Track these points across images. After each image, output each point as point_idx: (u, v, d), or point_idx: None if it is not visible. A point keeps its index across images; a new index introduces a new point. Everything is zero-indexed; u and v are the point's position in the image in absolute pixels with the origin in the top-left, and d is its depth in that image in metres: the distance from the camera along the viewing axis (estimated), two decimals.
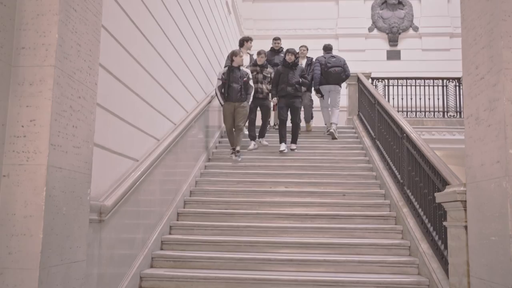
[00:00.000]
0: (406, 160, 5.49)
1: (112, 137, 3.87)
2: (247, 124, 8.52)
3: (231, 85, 7.48)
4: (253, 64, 8.66)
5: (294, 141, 8.22)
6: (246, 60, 8.87)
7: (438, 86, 10.92)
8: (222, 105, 7.63)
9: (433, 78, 11.00)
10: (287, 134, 8.16)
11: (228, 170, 7.25)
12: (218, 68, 8.75)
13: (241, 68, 7.68)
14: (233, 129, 7.56)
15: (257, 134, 8.56)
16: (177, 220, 5.71)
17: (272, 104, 8.52)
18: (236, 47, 12.11)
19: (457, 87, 10.81)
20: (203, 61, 7.63)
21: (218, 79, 7.61)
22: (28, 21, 2.50)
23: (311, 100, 9.69)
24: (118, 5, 3.96)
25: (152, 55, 4.90)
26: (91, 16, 2.84)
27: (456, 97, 10.86)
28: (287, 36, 13.25)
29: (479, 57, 2.85)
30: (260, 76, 8.45)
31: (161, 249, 5.05)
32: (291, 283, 4.27)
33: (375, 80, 10.88)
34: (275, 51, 9.76)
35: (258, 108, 8.55)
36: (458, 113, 10.76)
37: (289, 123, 8.30)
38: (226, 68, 7.69)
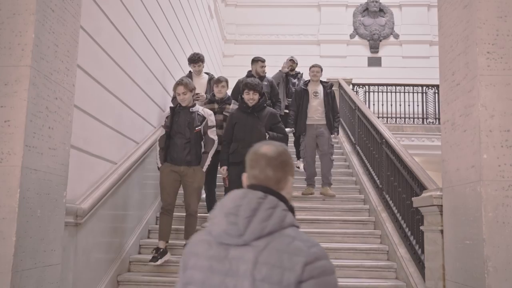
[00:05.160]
0: (385, 166, 5.54)
1: (89, 139, 3.83)
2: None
3: (173, 137, 4.69)
4: (208, 100, 5.76)
5: None
6: (201, 85, 6.18)
7: (417, 93, 11.06)
8: (158, 169, 4.76)
9: (413, 85, 11.14)
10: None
11: None
12: None
13: (196, 108, 4.81)
14: (171, 215, 4.75)
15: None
16: (156, 224, 5.65)
17: (223, 176, 5.06)
18: (218, 52, 12.15)
19: (436, 94, 10.95)
20: (185, 65, 7.60)
21: (162, 126, 4.90)
22: (4, 20, 2.46)
23: (332, 145, 6.43)
24: (98, 6, 3.93)
25: (132, 57, 4.87)
26: (69, 17, 2.81)
27: (435, 104, 11.00)
28: (269, 41, 13.33)
29: (455, 63, 2.90)
30: (219, 117, 5.45)
31: (139, 253, 4.99)
32: None
33: (356, 86, 10.96)
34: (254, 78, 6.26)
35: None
36: (437, 120, 10.89)
37: None
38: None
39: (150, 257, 4.48)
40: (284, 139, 5.06)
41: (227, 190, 4.92)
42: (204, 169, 4.72)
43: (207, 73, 6.39)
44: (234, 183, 4.77)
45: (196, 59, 6.14)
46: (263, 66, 6.70)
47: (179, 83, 4.73)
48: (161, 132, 4.80)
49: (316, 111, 6.40)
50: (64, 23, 2.75)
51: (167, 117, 4.78)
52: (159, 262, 4.43)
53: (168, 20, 6.36)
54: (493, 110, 2.57)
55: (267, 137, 4.79)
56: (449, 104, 2.98)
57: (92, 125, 3.89)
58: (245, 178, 1.53)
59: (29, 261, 2.44)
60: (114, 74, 4.35)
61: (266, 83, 6.53)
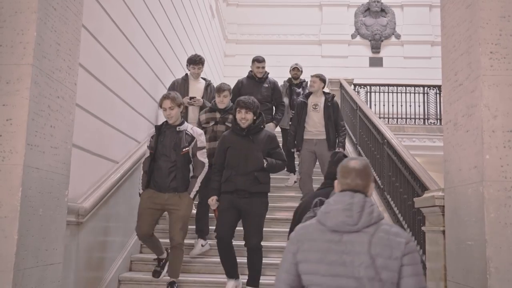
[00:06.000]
0: (387, 166, 5.53)
1: (91, 138, 3.83)
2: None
3: (157, 160, 4.18)
4: (209, 108, 5.11)
5: (253, 283, 4.08)
6: (198, 90, 5.74)
7: (419, 93, 11.03)
8: (139, 195, 4.25)
9: (415, 85, 11.11)
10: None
11: None
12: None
13: (184, 127, 4.28)
14: (152, 238, 4.26)
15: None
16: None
17: (212, 207, 4.34)
18: (219, 51, 12.14)
19: (438, 95, 10.94)
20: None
21: (148, 146, 4.30)
22: (6, 19, 2.46)
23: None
24: (100, 5, 3.93)
25: (134, 56, 4.86)
26: (71, 15, 2.81)
27: (436, 105, 10.98)
28: (270, 41, 13.34)
29: (458, 63, 2.89)
30: (220, 128, 4.87)
31: (141, 252, 4.99)
32: (272, 286, 4.23)
33: (357, 87, 10.93)
34: (255, 80, 6.13)
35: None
36: (438, 120, 10.87)
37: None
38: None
39: (151, 256, 4.50)
40: (283, 166, 4.43)
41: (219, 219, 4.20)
42: (192, 195, 4.18)
43: (203, 79, 5.94)
44: (224, 212, 4.11)
45: (197, 61, 5.70)
46: (259, 67, 6.09)
47: (165, 96, 4.23)
48: (147, 153, 4.27)
49: (315, 125, 5.85)
50: (66, 21, 2.75)
51: (152, 137, 4.26)
52: (162, 276, 4.28)
53: (169, 19, 6.36)
54: (496, 110, 2.56)
55: (265, 164, 4.14)
56: (452, 104, 2.97)
57: (94, 124, 3.89)
58: (336, 185, 2.02)
59: (31, 260, 2.44)
60: (116, 73, 4.35)
61: (267, 85, 6.12)
